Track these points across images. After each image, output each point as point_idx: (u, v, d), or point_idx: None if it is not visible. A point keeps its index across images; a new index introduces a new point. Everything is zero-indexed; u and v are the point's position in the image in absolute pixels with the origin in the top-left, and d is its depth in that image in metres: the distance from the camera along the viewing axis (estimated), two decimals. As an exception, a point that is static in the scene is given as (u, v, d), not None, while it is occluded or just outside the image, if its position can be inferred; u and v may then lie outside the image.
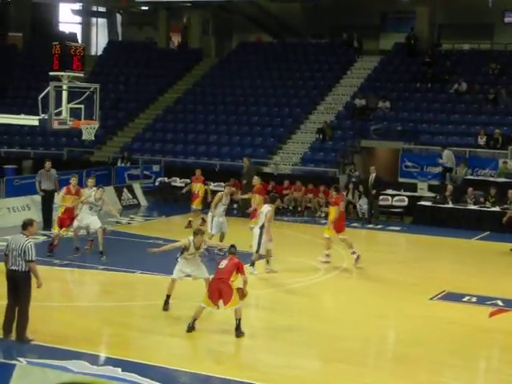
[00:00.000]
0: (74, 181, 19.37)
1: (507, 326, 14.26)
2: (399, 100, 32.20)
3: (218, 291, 12.85)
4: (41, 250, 19.41)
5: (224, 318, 13.93)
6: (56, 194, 21.40)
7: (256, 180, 21.34)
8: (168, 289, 14.18)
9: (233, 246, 13.64)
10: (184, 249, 14.03)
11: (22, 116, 19.40)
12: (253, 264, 17.34)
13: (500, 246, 22.28)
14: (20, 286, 12.17)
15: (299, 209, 27.00)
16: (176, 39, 43.40)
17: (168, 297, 14.18)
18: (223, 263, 13.10)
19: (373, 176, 25.52)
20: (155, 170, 30.37)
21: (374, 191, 25.41)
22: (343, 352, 12.48)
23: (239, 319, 12.91)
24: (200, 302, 13.08)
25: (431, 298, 15.94)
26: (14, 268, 12.14)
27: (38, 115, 17.43)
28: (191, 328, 12.97)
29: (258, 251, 17.36)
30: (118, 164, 30.61)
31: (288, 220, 25.76)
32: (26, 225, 12.42)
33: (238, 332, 12.91)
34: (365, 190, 25.92)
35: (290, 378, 11.24)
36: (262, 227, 17.30)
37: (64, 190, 19.32)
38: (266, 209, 17.52)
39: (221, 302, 12.90)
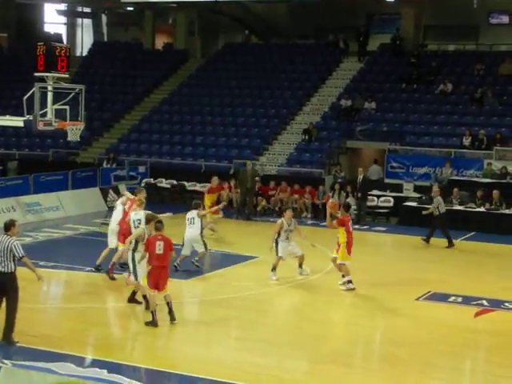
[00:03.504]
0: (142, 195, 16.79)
1: (492, 326, 14.32)
2: (385, 101, 32.27)
3: (158, 277, 13.33)
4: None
5: (211, 321, 13.92)
6: None
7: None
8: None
9: (160, 222, 13.98)
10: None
11: (7, 117, 19.34)
12: (274, 269, 17.28)
13: (486, 246, 22.41)
14: (7, 287, 12.08)
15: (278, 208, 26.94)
16: (162, 40, 43.32)
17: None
18: (160, 247, 13.38)
19: (361, 177, 25.53)
20: (141, 171, 30.28)
21: (361, 192, 25.43)
22: (331, 353, 12.49)
23: (171, 302, 13.43)
24: (147, 290, 13.48)
25: (417, 299, 15.98)
26: (2, 270, 12.05)
27: (23, 116, 17.38)
28: (155, 321, 13.26)
29: (276, 255, 17.30)
30: (104, 165, 30.49)
31: (274, 221, 25.62)
32: (9, 225, 12.35)
33: (172, 315, 13.42)
34: (352, 191, 25.94)
35: (281, 380, 11.22)
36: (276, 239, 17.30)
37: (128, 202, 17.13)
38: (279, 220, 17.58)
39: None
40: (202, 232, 18.13)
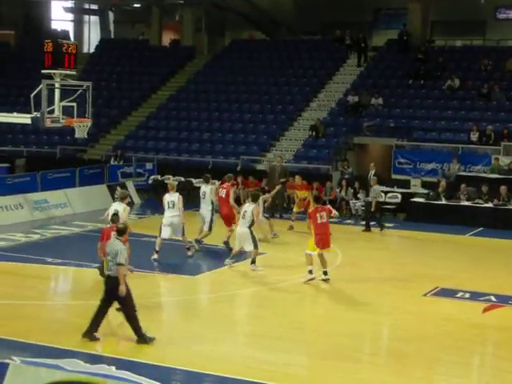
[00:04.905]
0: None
1: (500, 322, 14.29)
2: (392, 96, 32.22)
3: None
4: (30, 248, 19.47)
5: (217, 317, 13.94)
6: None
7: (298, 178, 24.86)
8: None
9: (116, 215, 14.70)
10: None
11: (15, 114, 19.37)
12: (254, 262, 17.48)
13: (493, 241, 22.37)
14: (116, 291, 12.19)
15: (284, 205, 26.88)
16: (169, 36, 43.38)
17: None
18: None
19: (372, 172, 25.48)
20: (148, 167, 30.33)
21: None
22: (339, 349, 12.48)
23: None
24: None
25: (425, 294, 15.96)
26: (108, 273, 12.30)
27: (31, 113, 17.40)
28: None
29: (256, 247, 17.48)
30: (111, 162, 30.56)
31: (286, 217, 25.70)
32: (122, 231, 12.52)
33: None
34: (361, 186, 25.86)
35: (289, 376, 11.23)
36: (250, 227, 17.40)
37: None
38: (251, 207, 17.58)
39: None
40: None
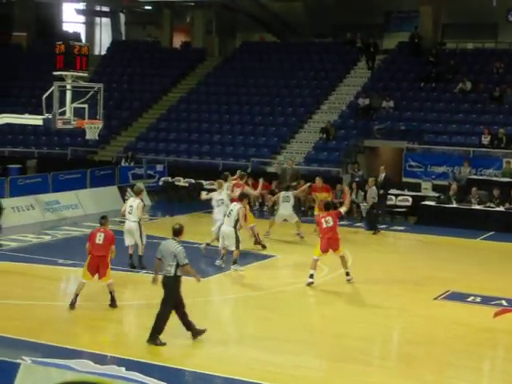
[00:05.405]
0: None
1: (511, 326, 14.21)
2: (403, 99, 32.13)
3: (97, 266, 14.08)
4: (41, 249, 19.52)
5: (226, 320, 13.93)
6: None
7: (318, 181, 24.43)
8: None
9: (104, 218, 14.73)
10: None
11: (27, 116, 19.47)
12: (235, 262, 17.72)
13: (505, 246, 22.26)
14: (165, 290, 12.32)
15: (302, 208, 26.89)
16: (179, 38, 43.44)
17: None
18: (100, 238, 14.18)
19: (382, 176, 25.42)
20: (159, 169, 30.37)
21: (382, 191, 25.30)
22: (349, 351, 12.47)
23: (113, 292, 14.21)
24: (80, 278, 14.23)
25: (436, 298, 15.92)
26: (164, 273, 12.37)
27: (42, 115, 17.49)
28: (73, 304, 14.09)
29: (238, 248, 17.72)
30: (122, 163, 30.61)
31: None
32: (178, 231, 12.51)
33: (113, 304, 14.22)
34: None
35: (297, 378, 11.23)
36: (235, 226, 17.64)
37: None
38: (237, 206, 17.78)
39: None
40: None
